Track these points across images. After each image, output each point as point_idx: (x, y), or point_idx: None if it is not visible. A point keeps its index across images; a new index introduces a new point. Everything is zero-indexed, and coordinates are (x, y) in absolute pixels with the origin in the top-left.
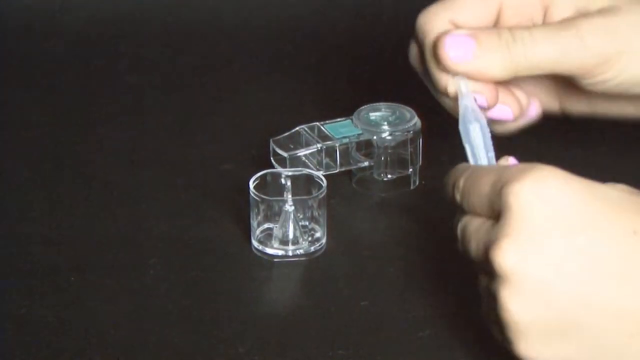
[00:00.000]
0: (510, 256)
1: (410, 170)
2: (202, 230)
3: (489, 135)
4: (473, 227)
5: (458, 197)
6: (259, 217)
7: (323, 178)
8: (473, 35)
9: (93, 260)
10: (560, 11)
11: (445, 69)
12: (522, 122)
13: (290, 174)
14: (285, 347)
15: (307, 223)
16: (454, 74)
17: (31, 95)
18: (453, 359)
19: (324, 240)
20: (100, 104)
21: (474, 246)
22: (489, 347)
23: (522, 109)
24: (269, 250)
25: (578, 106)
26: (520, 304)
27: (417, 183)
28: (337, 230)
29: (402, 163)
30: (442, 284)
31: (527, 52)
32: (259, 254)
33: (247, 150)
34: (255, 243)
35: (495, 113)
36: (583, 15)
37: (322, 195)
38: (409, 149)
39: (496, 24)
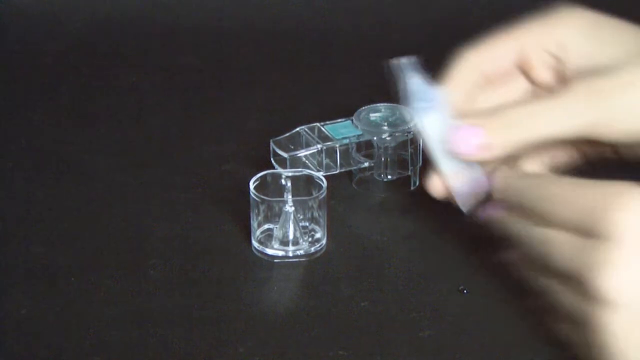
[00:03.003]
0: (616, 283)
1: (411, 170)
2: (202, 230)
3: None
4: (558, 240)
5: (529, 205)
6: (259, 218)
7: (323, 179)
8: (481, 125)
9: (93, 260)
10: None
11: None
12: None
13: (290, 174)
14: (285, 348)
15: (307, 224)
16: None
17: (31, 95)
18: (453, 359)
19: (324, 241)
20: (100, 104)
21: (561, 261)
22: (488, 347)
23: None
24: (269, 251)
25: (600, 153)
26: (626, 328)
27: (417, 184)
28: (337, 230)
29: (402, 164)
30: (442, 284)
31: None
32: (259, 254)
33: (247, 150)
34: (255, 244)
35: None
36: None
37: (322, 195)
38: (409, 150)
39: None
